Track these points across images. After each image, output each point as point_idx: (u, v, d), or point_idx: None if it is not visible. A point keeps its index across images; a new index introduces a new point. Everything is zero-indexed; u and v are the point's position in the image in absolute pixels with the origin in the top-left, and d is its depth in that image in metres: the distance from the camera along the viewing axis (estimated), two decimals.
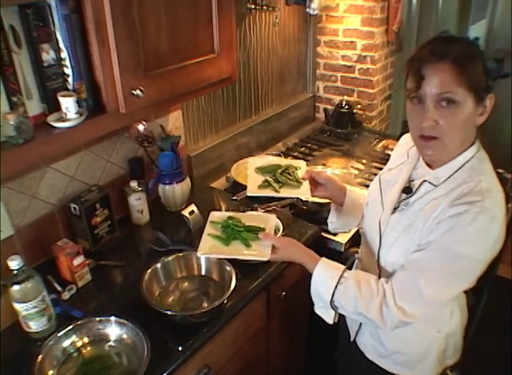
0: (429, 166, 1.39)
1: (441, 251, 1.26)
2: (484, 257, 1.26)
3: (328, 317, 1.48)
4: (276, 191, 1.60)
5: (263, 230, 1.56)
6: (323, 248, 1.96)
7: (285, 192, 1.61)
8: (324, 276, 1.41)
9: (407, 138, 1.58)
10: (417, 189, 1.40)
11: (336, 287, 1.37)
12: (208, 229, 1.59)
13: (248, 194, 1.60)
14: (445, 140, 1.27)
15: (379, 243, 1.48)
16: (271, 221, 1.63)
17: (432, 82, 1.21)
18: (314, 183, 1.63)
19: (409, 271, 1.31)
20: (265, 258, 1.47)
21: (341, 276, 1.38)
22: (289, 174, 1.65)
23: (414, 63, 1.25)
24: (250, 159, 1.81)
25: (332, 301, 1.39)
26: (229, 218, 1.62)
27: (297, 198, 2.08)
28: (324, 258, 1.45)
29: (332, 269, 1.42)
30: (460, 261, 1.25)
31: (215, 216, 1.65)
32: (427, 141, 1.29)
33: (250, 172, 1.69)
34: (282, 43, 2.82)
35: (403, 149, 1.53)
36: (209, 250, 1.52)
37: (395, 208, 1.45)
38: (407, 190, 1.42)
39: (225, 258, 1.64)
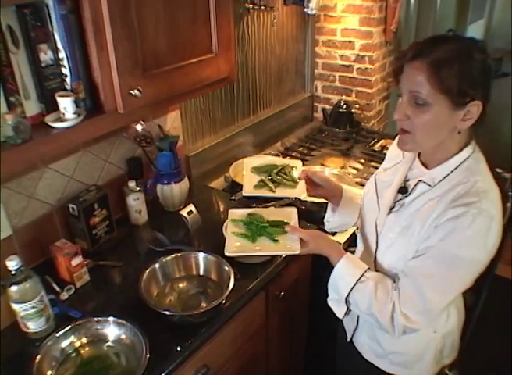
0: (425, 166, 1.39)
1: (441, 256, 1.26)
2: (483, 258, 1.27)
3: (339, 311, 1.48)
4: (272, 191, 1.60)
5: (287, 224, 1.54)
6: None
7: (280, 192, 1.60)
8: (345, 271, 1.41)
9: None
10: (412, 189, 1.40)
11: (355, 284, 1.38)
12: (231, 227, 1.56)
13: (244, 195, 1.60)
14: (415, 136, 1.28)
15: (376, 244, 1.49)
16: (293, 214, 1.60)
17: (406, 78, 1.25)
18: (310, 182, 1.63)
19: (411, 278, 1.31)
20: (297, 252, 1.45)
21: (362, 275, 1.39)
22: (285, 174, 1.65)
23: (399, 58, 1.28)
24: (247, 159, 1.81)
25: (347, 297, 1.40)
26: (250, 215, 1.59)
27: (296, 198, 2.08)
28: (348, 254, 1.45)
29: (355, 267, 1.42)
30: (461, 264, 1.26)
31: (235, 213, 1.62)
32: (401, 134, 1.32)
33: (246, 172, 1.69)
34: (281, 43, 2.82)
35: (398, 149, 1.53)
36: (237, 249, 1.49)
37: (391, 209, 1.45)
38: (403, 190, 1.43)
39: (255, 255, 1.62)
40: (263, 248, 1.49)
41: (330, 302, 1.51)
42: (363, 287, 1.37)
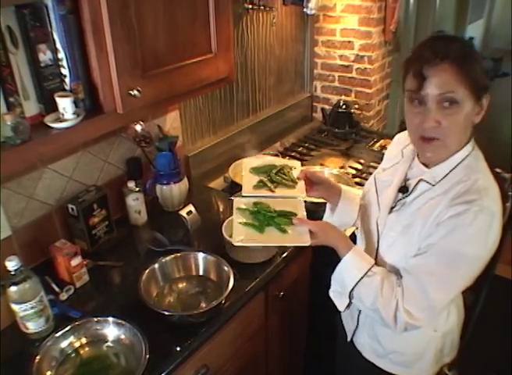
0: (425, 165, 1.39)
1: (444, 253, 1.26)
2: (485, 255, 1.27)
3: (341, 303, 1.48)
4: (271, 191, 1.59)
5: (294, 214, 1.50)
6: (321, 246, 1.95)
7: (280, 192, 1.59)
8: (352, 264, 1.40)
9: (400, 138, 1.59)
10: (413, 188, 1.40)
11: (362, 278, 1.37)
12: (237, 216, 1.50)
13: (243, 195, 1.59)
14: (446, 140, 1.28)
15: (377, 243, 1.49)
16: (300, 205, 1.56)
17: (434, 83, 1.22)
18: (309, 183, 1.62)
19: (414, 275, 1.32)
20: (307, 244, 1.41)
21: (369, 270, 1.38)
22: (284, 174, 1.64)
23: (415, 64, 1.25)
24: (245, 160, 1.80)
25: (352, 291, 1.40)
26: (256, 203, 1.54)
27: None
28: (357, 247, 1.45)
29: (362, 260, 1.41)
30: (463, 261, 1.26)
31: (240, 202, 1.56)
32: (428, 142, 1.29)
33: (245, 172, 1.68)
34: (280, 43, 2.82)
35: (397, 149, 1.54)
36: (245, 239, 1.43)
37: (392, 208, 1.45)
38: (404, 189, 1.43)
39: (264, 246, 1.60)
40: (272, 238, 1.44)
41: (332, 294, 1.50)
42: (369, 281, 1.37)
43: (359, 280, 1.38)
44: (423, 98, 1.24)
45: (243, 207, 1.53)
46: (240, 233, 1.44)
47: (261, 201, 1.56)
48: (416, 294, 1.30)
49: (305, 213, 1.52)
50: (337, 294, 1.48)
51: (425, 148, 1.32)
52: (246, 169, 1.68)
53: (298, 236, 1.43)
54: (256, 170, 1.67)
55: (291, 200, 1.60)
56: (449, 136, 1.27)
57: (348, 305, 1.46)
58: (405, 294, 1.32)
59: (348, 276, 1.41)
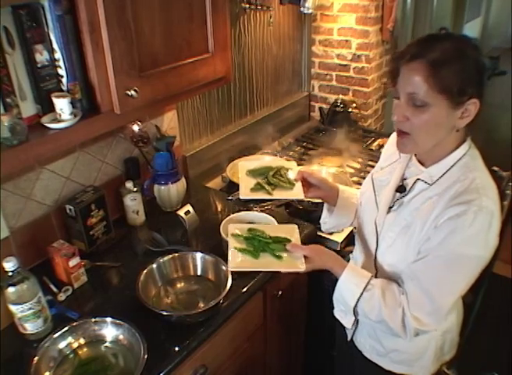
0: (422, 164, 1.39)
1: (445, 256, 1.26)
2: (486, 255, 1.27)
3: (347, 321, 1.50)
4: (269, 194, 1.58)
5: (289, 240, 1.52)
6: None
7: (278, 194, 1.59)
8: (350, 282, 1.41)
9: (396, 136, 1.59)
10: (411, 188, 1.40)
11: (362, 294, 1.38)
12: (233, 242, 1.53)
13: (241, 198, 1.59)
14: (414, 137, 1.28)
15: (376, 244, 1.49)
16: (295, 231, 1.59)
17: (404, 80, 1.24)
18: (307, 183, 1.62)
19: (416, 281, 1.31)
20: (301, 270, 1.43)
21: (368, 284, 1.38)
22: (281, 176, 1.64)
23: (393, 60, 1.28)
24: (241, 162, 1.79)
25: (355, 307, 1.40)
26: (250, 230, 1.57)
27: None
28: (351, 264, 1.46)
29: (359, 276, 1.41)
30: (465, 263, 1.26)
31: (235, 228, 1.60)
32: (400, 136, 1.32)
33: (241, 175, 1.67)
34: (277, 42, 2.82)
35: (394, 147, 1.53)
36: (240, 264, 1.46)
37: (390, 208, 1.45)
38: (401, 189, 1.43)
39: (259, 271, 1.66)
40: (267, 264, 1.47)
41: (337, 314, 1.52)
42: (370, 295, 1.37)
43: (360, 296, 1.38)
44: (397, 93, 1.27)
45: (238, 233, 1.56)
46: (234, 258, 1.48)
47: (255, 227, 1.60)
48: (421, 299, 1.30)
49: (299, 239, 1.55)
50: (342, 314, 1.50)
51: (397, 141, 1.35)
52: (242, 172, 1.68)
53: (293, 262, 1.46)
54: (252, 173, 1.66)
55: (285, 226, 1.67)
56: (418, 133, 1.27)
57: (354, 322, 1.47)
58: (410, 301, 1.32)
59: (348, 294, 1.41)
